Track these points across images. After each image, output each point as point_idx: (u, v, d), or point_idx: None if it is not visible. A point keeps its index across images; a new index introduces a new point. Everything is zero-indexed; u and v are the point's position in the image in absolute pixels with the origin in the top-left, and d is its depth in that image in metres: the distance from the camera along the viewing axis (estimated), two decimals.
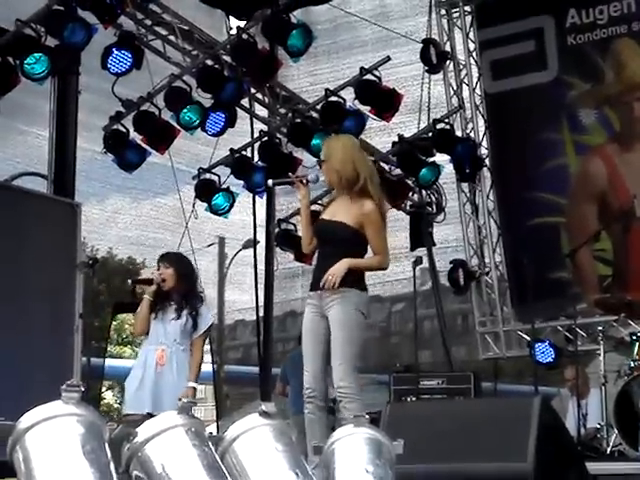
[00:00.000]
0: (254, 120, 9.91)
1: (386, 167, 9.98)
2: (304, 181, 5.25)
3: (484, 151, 10.37)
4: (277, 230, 10.31)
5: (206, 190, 9.68)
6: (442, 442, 4.41)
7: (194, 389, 6.04)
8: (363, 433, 3.25)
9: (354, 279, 5.04)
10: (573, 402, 7.61)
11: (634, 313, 7.44)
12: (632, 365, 6.74)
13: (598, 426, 6.89)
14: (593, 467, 5.00)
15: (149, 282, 6.13)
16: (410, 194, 10.07)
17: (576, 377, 7.60)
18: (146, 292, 6.08)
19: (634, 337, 6.94)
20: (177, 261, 6.28)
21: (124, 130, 9.04)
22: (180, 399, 3.18)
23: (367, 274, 5.24)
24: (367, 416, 3.40)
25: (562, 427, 4.81)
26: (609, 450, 6.45)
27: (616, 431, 6.42)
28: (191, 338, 6.06)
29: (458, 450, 4.37)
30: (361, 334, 5.09)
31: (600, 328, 7.49)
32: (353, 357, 4.97)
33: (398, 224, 10.84)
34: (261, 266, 11.01)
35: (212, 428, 10.21)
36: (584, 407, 7.27)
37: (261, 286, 11.04)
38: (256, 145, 9.66)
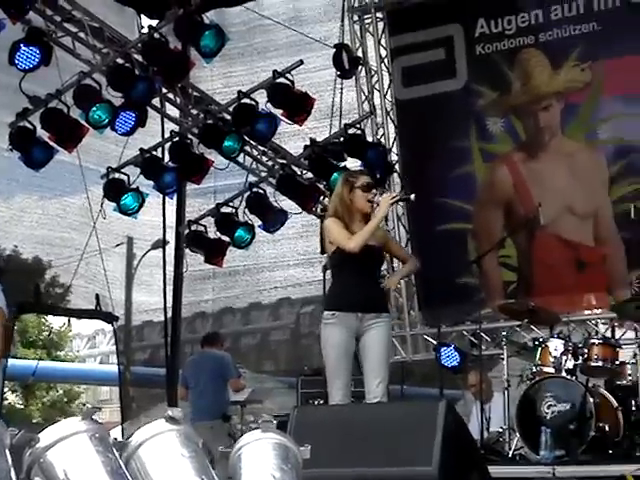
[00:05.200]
0: (165, 120, 9.82)
1: (297, 171, 10.01)
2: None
3: (394, 157, 10.47)
4: (187, 231, 10.23)
5: (115, 190, 9.55)
6: (349, 446, 4.44)
7: None
8: (270, 438, 3.25)
9: (387, 305, 5.74)
10: (477, 406, 7.74)
11: (537, 319, 7.62)
12: (534, 370, 6.90)
13: (500, 430, 7.03)
14: (495, 470, 5.10)
15: None
16: (321, 198, 10.11)
17: (480, 381, 7.73)
18: None
19: (536, 342, 7.11)
20: None
21: (31, 127, 8.87)
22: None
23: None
24: (274, 420, 3.40)
25: (466, 431, 4.88)
26: (511, 454, 6.58)
27: (518, 435, 6.56)
28: None
29: (365, 455, 4.40)
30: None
31: (504, 333, 7.66)
32: (388, 374, 5.49)
33: (310, 229, 10.90)
34: (170, 267, 10.92)
35: (117, 430, 10.09)
36: (487, 411, 7.39)
37: (170, 287, 10.95)
38: (167, 145, 9.57)
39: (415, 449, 4.36)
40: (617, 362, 6.72)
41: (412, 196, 5.81)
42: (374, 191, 5.56)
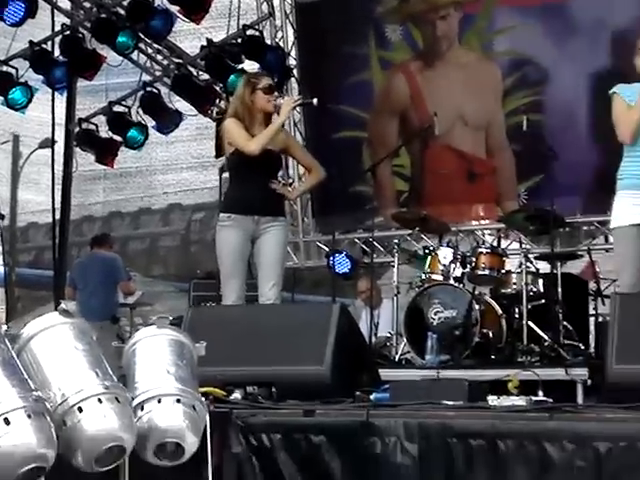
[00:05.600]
0: (56, 13, 9.45)
1: (194, 71, 9.80)
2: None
3: (292, 62, 10.34)
4: (77, 130, 9.96)
5: (2, 83, 9.22)
6: (244, 346, 4.47)
7: None
8: (165, 335, 3.23)
9: (284, 209, 5.66)
10: (366, 311, 7.87)
11: (428, 228, 7.74)
12: (423, 277, 7.03)
13: (389, 335, 7.18)
14: (383, 374, 5.20)
15: None
16: (218, 101, 9.93)
17: (370, 288, 7.85)
18: None
19: (427, 251, 7.24)
20: None
21: None
22: None
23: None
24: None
25: (358, 334, 4.97)
26: (397, 358, 6.73)
27: (405, 340, 6.70)
28: None
29: (258, 354, 4.44)
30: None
31: (395, 241, 7.76)
32: (282, 278, 5.49)
33: (206, 132, 10.73)
34: (59, 167, 10.65)
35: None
36: (376, 317, 7.53)
37: (58, 187, 10.69)
38: (57, 39, 9.25)
39: (308, 349, 4.41)
40: (503, 271, 6.88)
41: (314, 101, 5.77)
42: (275, 94, 5.50)
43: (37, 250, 18.84)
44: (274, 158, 5.57)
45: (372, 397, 4.31)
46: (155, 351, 3.15)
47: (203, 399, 3.16)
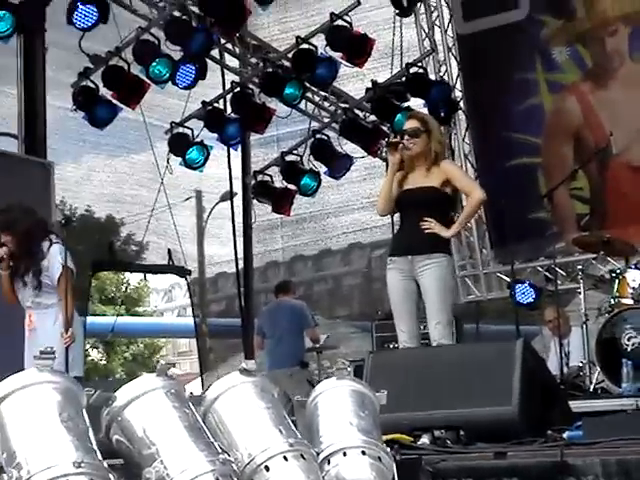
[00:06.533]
0: (225, 71, 9.79)
1: (360, 114, 9.90)
2: (400, 146, 5.54)
3: (458, 94, 10.29)
4: (253, 182, 10.23)
5: (180, 144, 9.57)
6: (426, 389, 4.41)
7: (66, 333, 5.63)
8: (346, 386, 3.24)
9: (445, 245, 5.54)
10: (555, 341, 7.65)
11: (612, 250, 7.45)
12: (612, 302, 6.77)
13: (580, 364, 6.94)
14: (577, 405, 5.02)
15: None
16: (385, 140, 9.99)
17: (557, 317, 7.62)
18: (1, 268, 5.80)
19: (613, 274, 6.96)
20: (8, 223, 5.79)
21: (93, 86, 8.89)
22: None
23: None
24: (350, 365, 3.39)
25: (544, 368, 4.82)
26: (592, 388, 6.49)
27: (598, 368, 6.46)
28: (56, 289, 5.74)
29: (442, 397, 4.37)
30: (452, 296, 5.77)
31: (579, 267, 7.52)
32: (449, 317, 5.48)
33: (374, 171, 10.79)
34: (239, 219, 10.96)
35: (197, 381, 10.23)
36: (566, 346, 7.30)
37: (240, 238, 11.00)
38: (228, 97, 9.55)
39: (494, 388, 4.31)
40: None
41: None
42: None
43: (227, 299, 19.40)
44: (419, 196, 5.52)
45: (565, 435, 4.16)
46: (337, 403, 3.15)
47: (388, 449, 3.13)
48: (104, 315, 19.50)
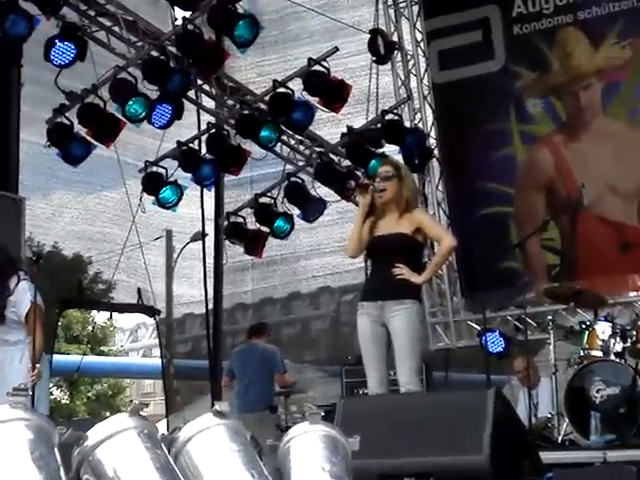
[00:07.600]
0: (201, 112, 9.80)
1: (335, 159, 9.94)
2: (370, 188, 5.63)
3: (433, 142, 10.36)
4: (226, 223, 10.22)
5: (153, 183, 9.56)
6: (397, 436, 4.38)
7: (33, 370, 5.61)
8: (318, 430, 3.20)
9: (415, 291, 5.50)
10: (524, 392, 7.64)
11: (583, 302, 7.48)
12: (582, 354, 6.78)
13: (549, 415, 6.93)
14: (546, 456, 5.01)
15: None
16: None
17: (526, 367, 7.62)
18: None
19: (583, 326, 6.98)
20: None
21: (68, 123, 8.88)
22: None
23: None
24: (320, 410, 3.36)
25: (516, 418, 4.81)
26: (560, 439, 6.48)
27: (567, 420, 6.45)
28: (23, 325, 5.72)
29: (413, 444, 4.34)
30: (422, 343, 5.70)
31: (549, 317, 7.53)
32: (418, 364, 5.51)
33: (347, 215, 10.81)
34: (210, 260, 10.92)
35: (162, 423, 10.10)
36: (535, 397, 7.30)
37: (210, 279, 10.95)
38: (204, 137, 9.56)
39: (465, 437, 4.29)
40: None
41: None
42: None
43: (193, 340, 19.29)
44: (387, 242, 5.56)
45: None
46: (309, 448, 3.11)
47: None
48: (68, 354, 19.27)
